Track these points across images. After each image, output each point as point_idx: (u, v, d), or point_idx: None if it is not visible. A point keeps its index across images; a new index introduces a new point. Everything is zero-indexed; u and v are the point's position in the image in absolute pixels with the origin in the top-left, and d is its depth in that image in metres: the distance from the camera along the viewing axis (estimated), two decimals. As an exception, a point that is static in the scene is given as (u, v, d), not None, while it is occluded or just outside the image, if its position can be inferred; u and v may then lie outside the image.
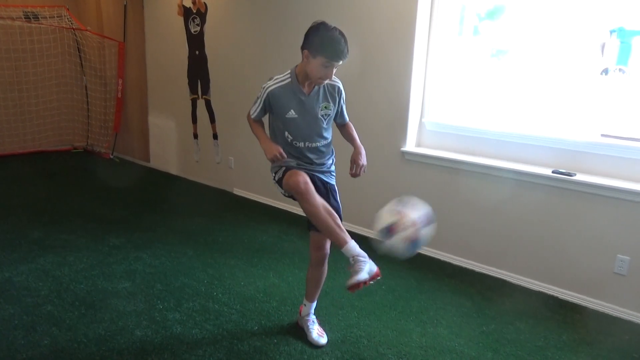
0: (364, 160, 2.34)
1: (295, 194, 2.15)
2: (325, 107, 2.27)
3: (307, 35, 2.11)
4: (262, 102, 2.26)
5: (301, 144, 2.28)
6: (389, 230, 2.08)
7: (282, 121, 2.26)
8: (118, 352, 2.36)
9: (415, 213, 2.10)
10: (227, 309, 2.80)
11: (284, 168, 2.30)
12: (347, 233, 2.14)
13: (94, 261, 3.33)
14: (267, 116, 2.36)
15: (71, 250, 3.48)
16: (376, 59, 3.70)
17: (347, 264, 2.10)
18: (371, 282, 2.07)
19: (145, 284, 3.04)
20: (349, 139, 2.45)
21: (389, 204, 2.17)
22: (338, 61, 2.09)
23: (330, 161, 2.42)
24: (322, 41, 2.06)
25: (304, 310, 2.61)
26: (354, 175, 2.35)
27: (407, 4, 3.45)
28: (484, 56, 3.50)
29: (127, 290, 2.95)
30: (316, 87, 2.24)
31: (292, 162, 2.32)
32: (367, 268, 2.06)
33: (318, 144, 2.31)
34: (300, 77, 2.20)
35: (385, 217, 2.13)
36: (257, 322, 2.67)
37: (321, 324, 2.64)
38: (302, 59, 2.15)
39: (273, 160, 2.23)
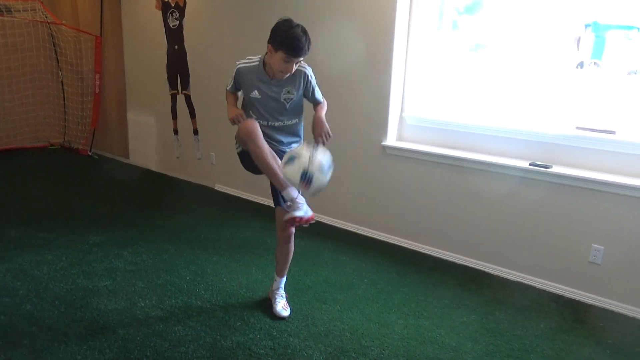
0: (323, 127, 2.40)
1: (244, 135, 2.30)
2: (288, 92, 2.42)
3: (272, 31, 2.27)
4: (233, 78, 2.48)
5: (264, 122, 2.45)
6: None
7: (248, 99, 2.48)
8: (100, 350, 2.34)
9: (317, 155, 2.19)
10: (209, 305, 2.79)
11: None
12: None
13: (73, 259, 3.28)
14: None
15: (50, 249, 3.43)
16: (356, 54, 3.71)
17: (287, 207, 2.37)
18: (306, 224, 2.31)
19: (127, 282, 3.01)
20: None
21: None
22: (297, 57, 2.24)
23: (297, 145, 2.56)
24: (284, 37, 2.21)
25: (274, 284, 2.80)
26: (320, 137, 2.40)
27: (386, -2, 3.47)
28: (463, 50, 3.54)
29: (108, 289, 2.92)
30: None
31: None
32: (304, 209, 2.30)
33: (281, 122, 2.48)
34: (267, 65, 2.36)
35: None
36: (240, 317, 2.67)
37: (289, 300, 2.81)
38: (267, 52, 2.33)
39: (233, 122, 2.38)
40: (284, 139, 2.54)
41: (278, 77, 2.36)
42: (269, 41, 2.28)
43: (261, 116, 2.47)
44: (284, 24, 2.23)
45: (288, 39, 2.19)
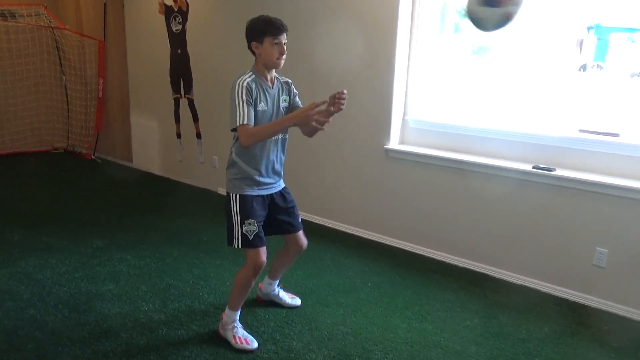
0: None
1: (253, 266, 2.44)
2: (285, 100, 2.47)
3: (248, 31, 2.35)
4: (245, 99, 2.24)
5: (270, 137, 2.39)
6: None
7: (255, 115, 2.34)
8: (103, 354, 2.34)
9: None
10: (213, 309, 2.79)
11: (244, 204, 2.57)
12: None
13: (77, 263, 3.29)
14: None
15: (53, 253, 3.43)
16: (359, 57, 3.71)
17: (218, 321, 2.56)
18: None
19: (130, 286, 3.02)
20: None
21: None
22: (282, 33, 2.29)
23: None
24: (260, 25, 2.30)
25: (269, 287, 2.82)
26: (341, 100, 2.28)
27: (389, 2, 3.47)
28: (465, 53, 3.54)
29: (111, 292, 2.93)
30: (276, 82, 2.42)
31: (255, 188, 2.53)
32: (238, 336, 2.47)
33: (280, 136, 2.45)
34: (261, 72, 2.36)
35: None
36: (243, 321, 2.66)
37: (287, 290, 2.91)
38: (255, 55, 2.36)
39: (321, 122, 2.17)
40: (279, 162, 2.49)
41: (277, 66, 2.34)
42: (250, 40, 2.33)
43: None
44: (252, 20, 2.34)
45: (265, 23, 2.29)
